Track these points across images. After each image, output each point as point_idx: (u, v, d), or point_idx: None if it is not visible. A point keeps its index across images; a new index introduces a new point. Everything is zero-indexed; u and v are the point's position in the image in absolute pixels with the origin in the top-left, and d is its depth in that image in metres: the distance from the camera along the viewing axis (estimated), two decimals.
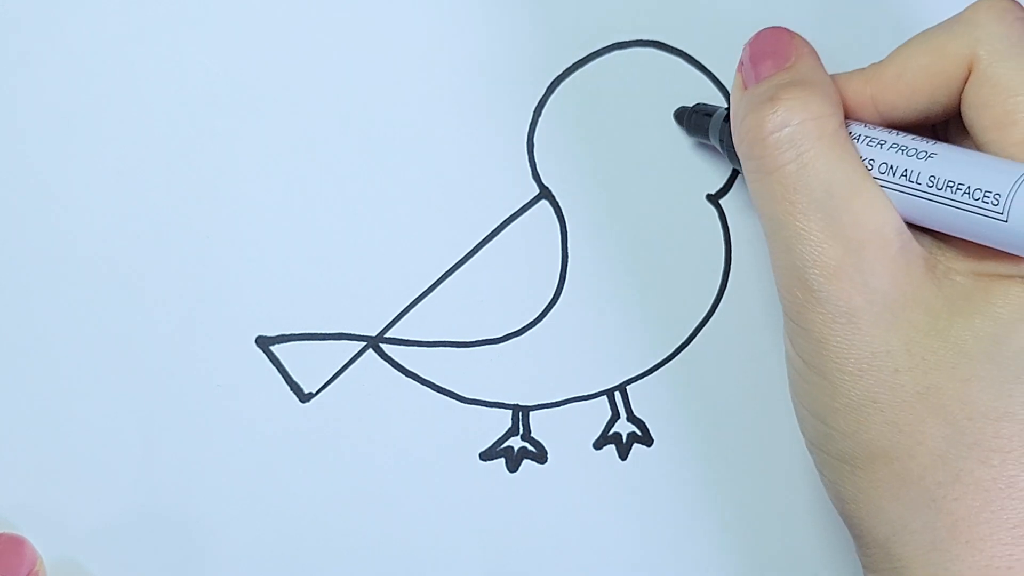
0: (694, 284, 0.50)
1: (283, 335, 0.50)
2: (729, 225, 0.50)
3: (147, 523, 0.50)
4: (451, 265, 0.50)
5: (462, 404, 0.50)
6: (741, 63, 0.44)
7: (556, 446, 0.51)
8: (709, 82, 0.49)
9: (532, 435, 0.51)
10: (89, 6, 0.48)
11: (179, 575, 0.51)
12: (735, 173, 0.50)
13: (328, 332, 0.50)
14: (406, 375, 0.50)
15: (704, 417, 0.51)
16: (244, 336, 0.50)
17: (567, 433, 0.51)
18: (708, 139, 0.48)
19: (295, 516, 0.51)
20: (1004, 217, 0.39)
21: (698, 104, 0.49)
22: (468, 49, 0.49)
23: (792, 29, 0.44)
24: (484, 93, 0.49)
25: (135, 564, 0.50)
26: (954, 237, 0.41)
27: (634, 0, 0.49)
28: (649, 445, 0.51)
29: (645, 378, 0.51)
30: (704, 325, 0.50)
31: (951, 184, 0.40)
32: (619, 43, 0.49)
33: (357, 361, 0.50)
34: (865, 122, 0.43)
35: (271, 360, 0.50)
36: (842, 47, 0.48)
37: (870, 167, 0.41)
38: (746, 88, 0.44)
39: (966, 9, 0.42)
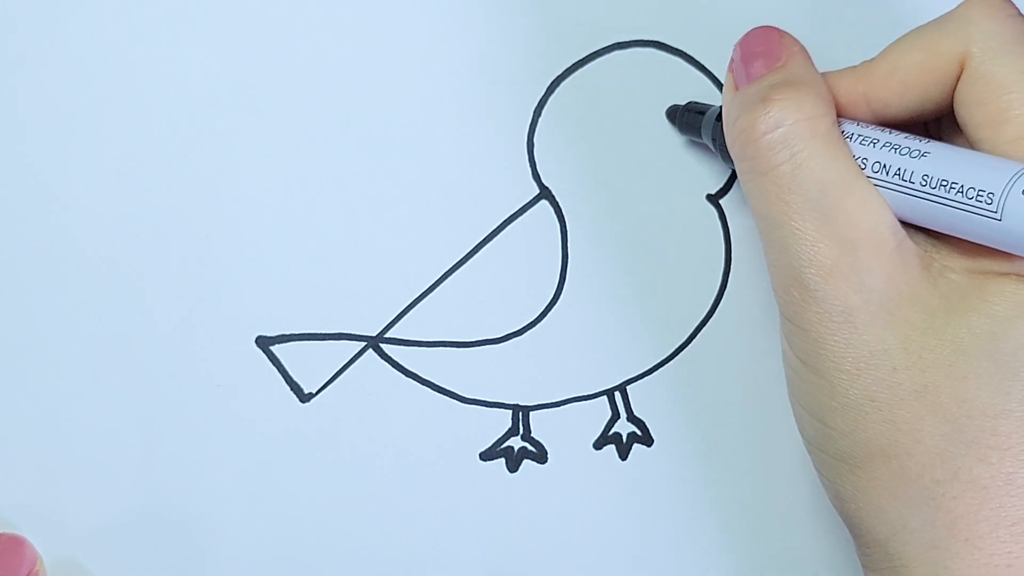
0: (694, 284, 0.50)
1: (283, 335, 0.50)
2: (729, 225, 0.50)
3: (147, 523, 0.50)
4: (451, 265, 0.50)
5: (462, 404, 0.50)
6: (732, 63, 0.44)
7: (556, 446, 0.51)
8: (709, 82, 0.49)
9: (532, 435, 0.51)
10: (89, 6, 0.48)
11: (179, 575, 0.51)
12: (735, 173, 0.50)
13: (328, 332, 0.50)
14: (406, 375, 0.50)
15: (704, 417, 0.51)
16: (244, 336, 0.50)
17: (567, 433, 0.51)
18: (700, 138, 0.48)
19: (295, 516, 0.51)
20: (998, 216, 0.39)
21: (690, 102, 0.49)
22: (468, 49, 0.49)
23: (790, 28, 0.44)
24: (484, 93, 0.49)
25: (135, 564, 0.50)
26: (949, 235, 0.41)
27: (634, 0, 0.49)
28: (649, 445, 0.51)
29: (645, 378, 0.51)
30: (704, 325, 0.50)
31: (944, 183, 0.40)
32: (619, 43, 0.49)
33: (357, 361, 0.50)
34: (858, 120, 0.43)
35: (271, 360, 0.50)
36: (842, 45, 0.48)
37: (863, 166, 0.41)
38: (737, 89, 0.44)
39: (958, 6, 0.42)
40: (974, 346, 0.40)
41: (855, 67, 0.43)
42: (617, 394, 0.51)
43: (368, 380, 0.50)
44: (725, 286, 0.50)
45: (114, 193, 0.49)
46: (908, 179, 0.41)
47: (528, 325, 0.50)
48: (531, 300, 0.50)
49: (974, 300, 0.40)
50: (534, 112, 0.49)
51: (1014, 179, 0.38)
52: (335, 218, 0.49)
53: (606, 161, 0.50)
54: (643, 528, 0.51)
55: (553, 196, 0.50)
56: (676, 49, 0.49)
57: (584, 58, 0.49)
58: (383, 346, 0.50)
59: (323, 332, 0.50)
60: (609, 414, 0.51)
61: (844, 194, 0.41)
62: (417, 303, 0.50)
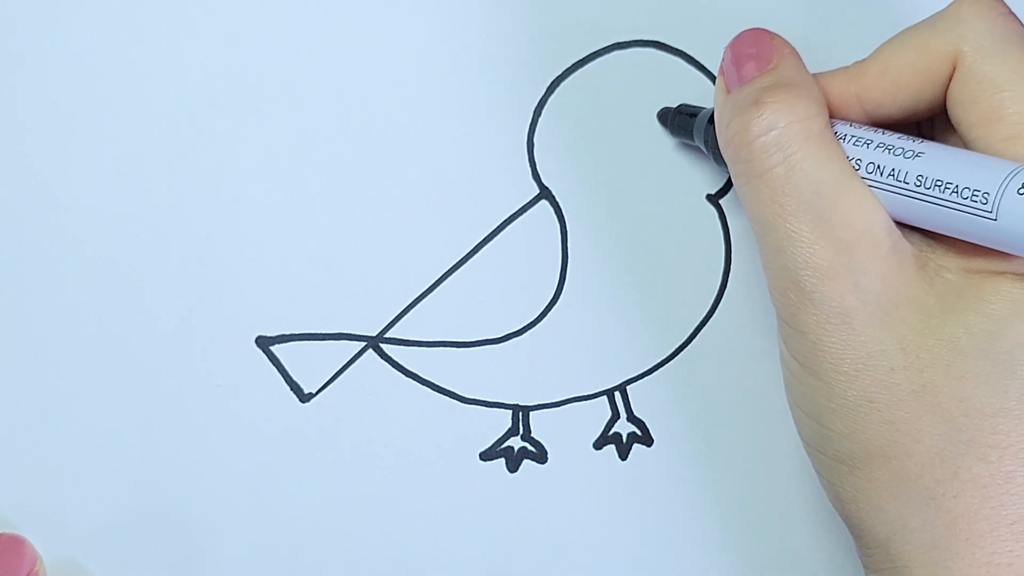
0: (694, 284, 0.50)
1: (283, 335, 0.50)
2: (729, 225, 0.50)
3: (147, 523, 0.50)
4: (451, 265, 0.50)
5: (462, 404, 0.50)
6: (722, 66, 0.44)
7: (556, 446, 0.51)
8: (709, 82, 0.49)
9: (532, 435, 0.51)
10: (89, 6, 0.48)
11: (179, 575, 0.51)
12: None
13: (328, 332, 0.50)
14: (406, 375, 0.50)
15: (704, 417, 0.51)
16: (244, 336, 0.50)
17: (567, 433, 0.51)
18: (692, 140, 0.48)
19: (295, 516, 0.51)
20: (993, 216, 0.38)
21: (681, 105, 0.49)
22: (468, 49, 0.49)
23: (789, 28, 0.44)
24: (484, 93, 0.49)
25: (135, 564, 0.50)
26: (944, 235, 0.41)
27: (634, 0, 0.49)
28: (649, 445, 0.51)
29: (645, 378, 0.51)
30: (704, 325, 0.50)
31: (939, 183, 0.40)
32: (619, 43, 0.49)
33: (357, 361, 0.50)
34: (851, 121, 0.43)
35: (271, 360, 0.50)
36: (843, 45, 0.48)
37: (857, 167, 0.41)
38: (729, 92, 0.44)
39: (949, 5, 0.42)
40: (971, 345, 0.40)
41: (847, 68, 0.43)
42: (617, 394, 0.51)
43: (368, 380, 0.50)
44: (725, 286, 0.50)
45: (114, 193, 0.49)
46: (902, 180, 0.41)
47: (528, 325, 0.50)
48: (531, 300, 0.50)
49: (970, 299, 0.40)
50: (534, 112, 0.49)
51: (1009, 178, 0.38)
52: (335, 218, 0.49)
53: (606, 161, 0.50)
54: (643, 528, 0.51)
55: (553, 196, 0.50)
56: (676, 49, 0.49)
57: (584, 58, 0.49)
58: (383, 346, 0.50)
59: (323, 332, 0.50)
60: (609, 414, 0.51)
61: (838, 195, 0.41)
62: (417, 303, 0.50)
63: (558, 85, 0.49)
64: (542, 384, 0.50)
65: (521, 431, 0.51)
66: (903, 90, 0.42)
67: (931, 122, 0.44)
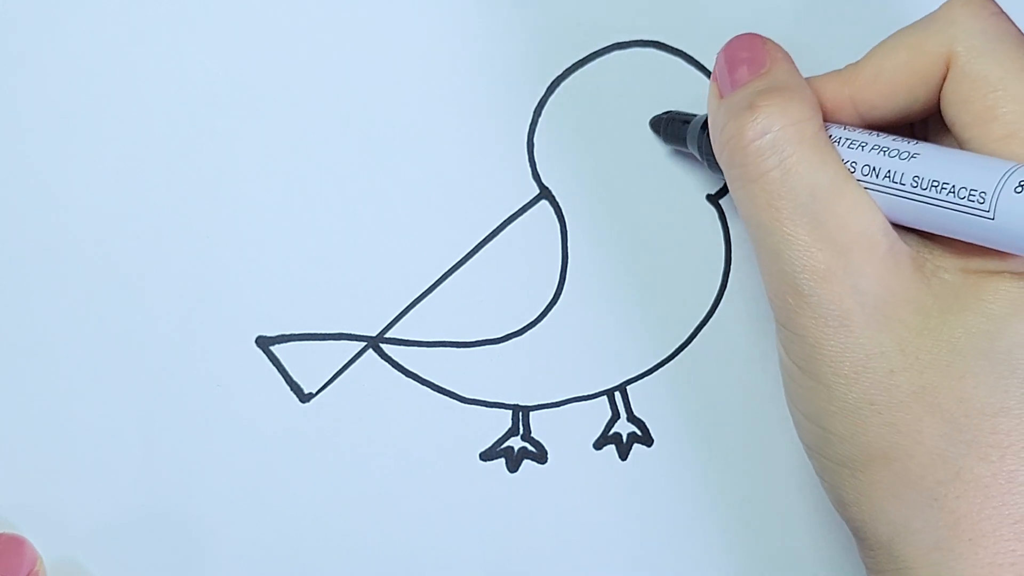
0: (694, 284, 0.50)
1: (283, 335, 0.50)
2: (729, 225, 0.50)
3: (147, 523, 0.50)
4: (451, 265, 0.50)
5: (462, 404, 0.50)
6: (715, 71, 0.44)
7: (556, 446, 0.51)
8: (708, 82, 0.49)
9: (532, 435, 0.51)
10: (89, 6, 0.48)
11: (179, 575, 0.51)
12: None
13: (328, 332, 0.50)
14: (406, 375, 0.50)
15: (704, 417, 0.51)
16: (244, 336, 0.50)
17: (567, 433, 0.51)
18: (685, 147, 0.48)
19: (295, 516, 0.51)
20: (990, 215, 0.38)
21: (673, 112, 0.49)
22: (468, 49, 0.49)
23: (788, 30, 0.45)
24: (484, 93, 0.49)
25: (135, 564, 0.50)
26: (940, 235, 0.41)
27: (634, 0, 0.49)
28: (649, 445, 0.51)
29: (645, 378, 0.51)
30: (704, 325, 0.50)
31: (935, 184, 0.40)
32: (619, 43, 0.49)
33: (357, 361, 0.50)
34: (845, 124, 0.43)
35: (271, 360, 0.50)
36: (843, 45, 0.48)
37: (852, 170, 0.41)
38: (722, 96, 0.44)
39: (942, 6, 0.42)
40: (970, 345, 0.40)
41: (840, 71, 0.43)
42: (617, 394, 0.51)
43: (368, 380, 0.50)
44: (725, 286, 0.50)
45: (114, 193, 0.49)
46: (898, 181, 0.41)
47: (528, 325, 0.50)
48: (531, 300, 0.50)
49: (968, 299, 0.40)
50: (534, 112, 0.49)
51: (1005, 177, 0.38)
52: (335, 218, 0.49)
53: (606, 161, 0.50)
54: (643, 528, 0.51)
55: (553, 196, 0.50)
56: (676, 49, 0.49)
57: (584, 58, 0.49)
58: (383, 346, 0.50)
59: (323, 332, 0.50)
60: (609, 414, 0.51)
61: (834, 198, 0.41)
62: (417, 303, 0.50)
63: (558, 85, 0.49)
64: (542, 384, 0.50)
65: (521, 431, 0.51)
66: (897, 91, 0.42)
67: (924, 124, 0.44)
